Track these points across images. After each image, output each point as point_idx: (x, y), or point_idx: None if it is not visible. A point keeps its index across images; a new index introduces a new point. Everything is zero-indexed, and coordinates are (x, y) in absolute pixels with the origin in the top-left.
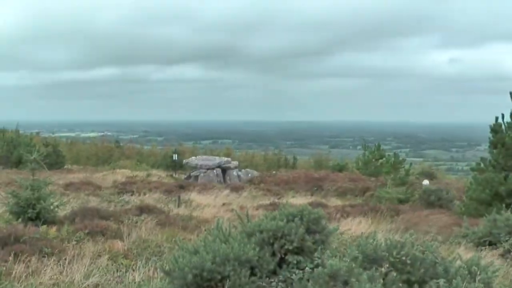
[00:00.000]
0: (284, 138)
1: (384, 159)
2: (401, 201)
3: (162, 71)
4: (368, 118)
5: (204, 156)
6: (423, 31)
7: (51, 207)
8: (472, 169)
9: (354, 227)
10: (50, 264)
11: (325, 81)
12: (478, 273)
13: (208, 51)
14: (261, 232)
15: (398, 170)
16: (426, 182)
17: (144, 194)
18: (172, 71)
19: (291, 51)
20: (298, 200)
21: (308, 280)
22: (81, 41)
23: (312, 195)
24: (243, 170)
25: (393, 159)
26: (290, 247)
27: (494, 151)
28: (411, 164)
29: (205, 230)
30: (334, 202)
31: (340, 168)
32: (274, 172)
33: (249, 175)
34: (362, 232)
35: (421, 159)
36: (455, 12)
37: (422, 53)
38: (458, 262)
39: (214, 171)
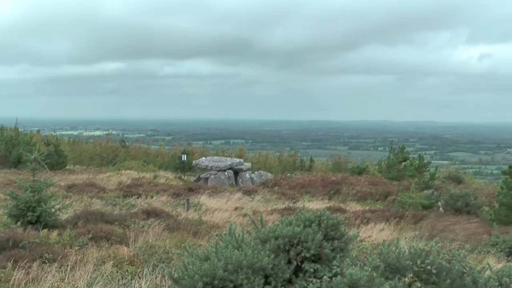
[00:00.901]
0: (301, 139)
1: (407, 161)
2: (425, 207)
3: (172, 65)
4: (390, 118)
5: (215, 157)
6: (452, 24)
7: (52, 210)
8: (504, 173)
9: (375, 234)
10: (51, 270)
11: (346, 78)
12: (511, 285)
13: (222, 44)
14: (276, 238)
15: (423, 174)
16: None
17: (151, 197)
18: (183, 66)
19: (311, 45)
20: (315, 205)
21: None
22: (85, 33)
23: (329, 199)
24: (256, 172)
25: (417, 161)
26: (307, 255)
27: None
28: (436, 167)
29: (216, 235)
30: (354, 207)
31: (360, 171)
32: (289, 174)
33: (263, 177)
34: (383, 240)
35: (447, 162)
36: (487, 4)
37: (450, 48)
38: (488, 273)
39: (226, 173)
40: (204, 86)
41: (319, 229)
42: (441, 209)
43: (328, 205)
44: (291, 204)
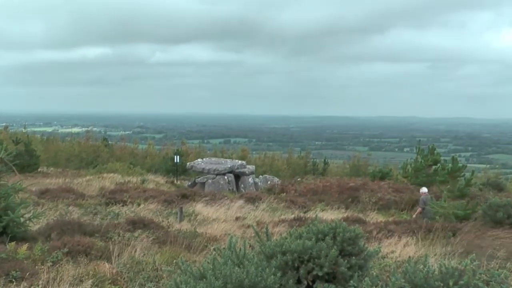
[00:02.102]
0: (313, 138)
1: (438, 165)
2: (459, 218)
3: (165, 51)
4: (419, 114)
5: (213, 159)
6: (495, 2)
7: (22, 219)
8: None
9: (400, 250)
10: None
11: (368, 67)
12: None
13: (223, 27)
14: (283, 253)
15: (457, 179)
16: (424, 190)
17: (138, 204)
18: (178, 52)
19: (328, 28)
20: (330, 215)
21: None
22: (63, 13)
23: (346, 208)
24: (261, 176)
25: (450, 165)
26: (320, 273)
27: None
28: (473, 171)
29: (213, 250)
30: (375, 217)
31: (383, 176)
32: (299, 179)
33: (269, 182)
34: (409, 256)
35: (485, 166)
36: None
37: (492, 32)
38: None
39: (225, 177)
40: (202, 76)
41: (334, 243)
42: None
43: (345, 215)
44: (302, 214)
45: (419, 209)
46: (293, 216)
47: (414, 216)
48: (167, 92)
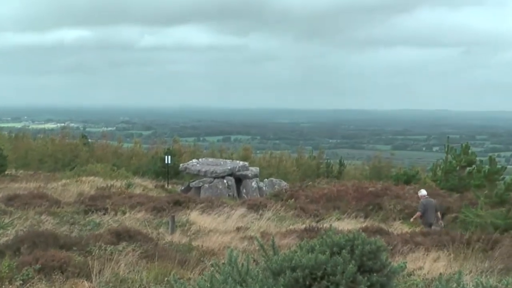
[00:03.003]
0: (327, 135)
1: (473, 166)
2: (498, 228)
3: (156, 34)
4: (450, 107)
5: (211, 159)
6: None
7: None
8: None
9: (429, 265)
10: None
11: (391, 52)
12: None
13: (224, 6)
14: (293, 269)
15: (495, 183)
16: (423, 192)
17: (123, 213)
18: (170, 35)
19: (345, 6)
20: (346, 224)
21: None
22: None
23: (366, 217)
24: (266, 180)
25: (487, 166)
26: None
27: None
28: None
29: (211, 265)
30: (399, 228)
31: (408, 179)
32: (310, 183)
33: (275, 187)
34: (440, 273)
35: None
36: None
37: None
38: None
39: (225, 180)
40: (198, 63)
41: (352, 257)
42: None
43: (364, 225)
44: (314, 224)
45: (417, 213)
46: (303, 226)
47: (412, 220)
48: (157, 82)
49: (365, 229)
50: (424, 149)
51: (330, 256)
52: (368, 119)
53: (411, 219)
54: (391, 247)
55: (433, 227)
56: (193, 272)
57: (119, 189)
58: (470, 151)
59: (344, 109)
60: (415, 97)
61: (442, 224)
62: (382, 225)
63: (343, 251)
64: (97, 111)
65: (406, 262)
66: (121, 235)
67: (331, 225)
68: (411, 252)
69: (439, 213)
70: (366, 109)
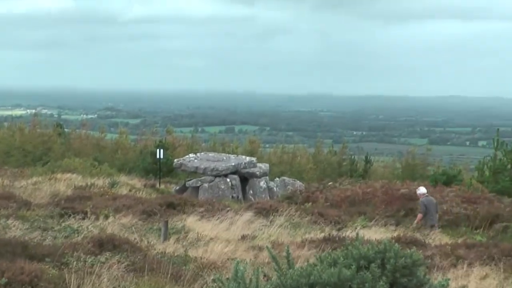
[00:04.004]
0: (351, 126)
1: None
2: None
3: (146, 4)
4: (501, 93)
5: (211, 154)
6: None
7: None
8: None
9: (475, 283)
10: None
11: (428, 26)
12: None
13: None
14: (311, 286)
15: None
16: (422, 190)
17: (106, 217)
18: (164, 5)
19: None
20: (374, 233)
21: None
22: None
23: (397, 224)
24: (277, 179)
25: None
26: None
27: None
28: None
29: (213, 281)
30: (438, 238)
31: (449, 180)
32: (331, 183)
33: (288, 187)
34: None
35: None
36: None
37: None
38: None
39: (228, 179)
40: (197, 38)
41: (383, 273)
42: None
43: (396, 234)
44: (335, 232)
45: (419, 216)
46: (322, 234)
47: (414, 224)
48: (147, 61)
49: (396, 239)
50: (468, 143)
51: (356, 271)
52: (401, 107)
53: (414, 223)
54: (429, 261)
55: (432, 232)
56: None
57: (101, 189)
58: None
59: (372, 95)
60: (458, 81)
61: (438, 228)
62: (417, 235)
63: (372, 265)
64: (75, 95)
65: (448, 280)
66: (104, 244)
67: (357, 233)
68: (452, 267)
69: (437, 215)
70: (398, 95)
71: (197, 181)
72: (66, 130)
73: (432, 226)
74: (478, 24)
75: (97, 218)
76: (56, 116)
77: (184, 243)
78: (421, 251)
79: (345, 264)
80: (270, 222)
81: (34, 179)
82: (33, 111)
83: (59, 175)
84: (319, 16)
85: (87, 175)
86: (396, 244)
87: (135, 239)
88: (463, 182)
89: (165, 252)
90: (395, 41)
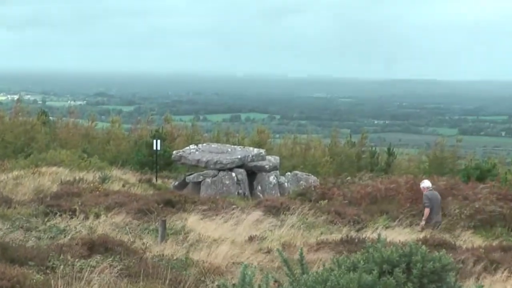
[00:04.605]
0: (372, 114)
1: None
2: None
3: None
4: None
5: (214, 145)
6: None
7: None
8: None
9: None
10: None
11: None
12: None
13: None
14: None
15: None
16: (427, 183)
17: (97, 216)
18: None
19: None
20: (398, 234)
21: None
22: None
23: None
24: (288, 173)
25: None
26: None
27: None
28: None
29: (217, 287)
30: (470, 240)
31: (482, 174)
32: (349, 178)
33: (301, 183)
34: None
35: None
36: None
37: None
38: None
39: (233, 174)
40: (198, 13)
41: (409, 278)
42: None
43: (422, 235)
44: (354, 233)
45: (426, 210)
46: (340, 236)
47: (423, 222)
48: (142, 40)
49: (423, 241)
50: (503, 134)
51: (378, 276)
52: (428, 93)
53: (422, 221)
54: (460, 266)
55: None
56: None
57: (91, 185)
58: None
59: (395, 79)
60: (493, 63)
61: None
62: (447, 236)
63: (396, 269)
64: (62, 79)
65: (482, 286)
66: (94, 246)
67: (379, 234)
68: (486, 272)
69: (440, 212)
70: (425, 79)
71: (198, 175)
72: (51, 118)
73: (436, 223)
74: None
75: (86, 217)
76: (40, 102)
77: (184, 245)
78: (451, 254)
79: (366, 269)
80: (281, 221)
81: (16, 173)
82: (14, 96)
83: (43, 169)
84: None
85: (75, 169)
86: (423, 247)
87: (129, 240)
88: (498, 177)
89: (163, 255)
90: (422, 19)
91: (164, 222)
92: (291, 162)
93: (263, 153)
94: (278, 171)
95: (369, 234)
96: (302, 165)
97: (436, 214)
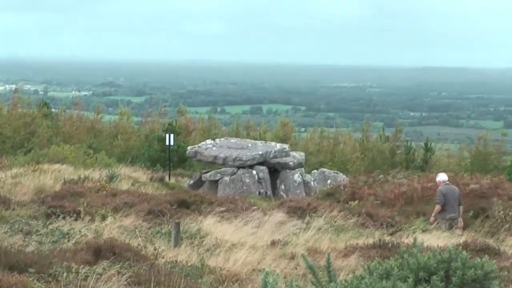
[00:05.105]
0: (408, 105)
1: None
2: None
3: None
4: None
5: (233, 140)
6: None
7: None
8: None
9: None
10: None
11: None
12: None
13: None
14: None
15: None
16: (443, 177)
17: (103, 218)
18: None
19: None
20: (436, 239)
21: None
22: None
23: (465, 228)
24: (315, 171)
25: None
26: None
27: None
28: None
29: None
30: None
31: None
32: (382, 176)
33: (329, 181)
34: None
35: None
36: None
37: None
38: None
39: (254, 171)
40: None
41: (447, 287)
42: None
43: (463, 239)
44: (387, 237)
45: (437, 207)
46: (372, 240)
47: (432, 219)
48: (153, 24)
49: (464, 246)
50: None
51: (414, 284)
52: (470, 81)
53: (431, 218)
54: (506, 274)
55: (454, 227)
56: None
57: (98, 184)
58: None
59: (433, 66)
60: None
61: (462, 223)
62: (490, 241)
63: (434, 277)
64: (66, 68)
65: None
66: (101, 251)
67: (415, 238)
68: None
69: (461, 208)
70: (466, 66)
71: (215, 173)
72: (53, 110)
73: (451, 219)
74: None
75: (92, 219)
76: (41, 93)
77: (199, 250)
78: (494, 260)
79: (400, 276)
80: (307, 224)
81: (15, 170)
82: (14, 86)
83: (45, 166)
84: None
85: (79, 166)
86: (464, 252)
87: (139, 245)
88: None
89: (176, 261)
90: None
91: (177, 224)
92: (318, 159)
93: (287, 148)
94: (303, 169)
95: (404, 238)
96: (330, 162)
97: (451, 209)
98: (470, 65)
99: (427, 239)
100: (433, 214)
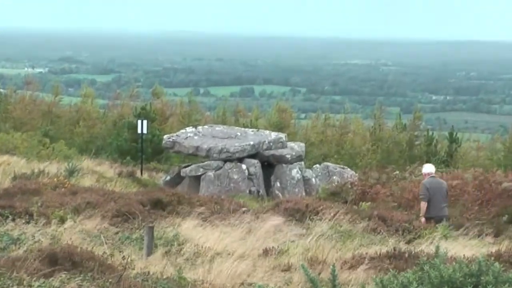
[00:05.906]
0: (429, 87)
1: None
2: None
3: None
4: None
5: (219, 128)
6: None
7: None
8: None
9: None
10: None
11: None
12: None
13: None
14: None
15: None
16: (429, 168)
17: (62, 221)
18: None
19: None
20: (463, 248)
21: None
22: None
23: (498, 235)
24: (317, 166)
25: None
26: None
27: None
28: None
29: None
30: None
31: None
32: (397, 172)
33: (333, 178)
34: None
35: None
36: None
37: None
38: None
39: (243, 166)
40: None
41: None
42: None
43: (495, 249)
44: (404, 245)
45: (422, 204)
46: (386, 248)
47: (422, 218)
48: None
49: (496, 257)
50: None
51: None
52: (502, 59)
53: (422, 219)
54: None
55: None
56: None
57: (55, 179)
58: None
59: (459, 40)
60: None
61: (447, 220)
62: None
63: None
64: (17, 40)
65: None
66: (58, 260)
67: (437, 247)
68: None
69: (445, 204)
70: (498, 40)
71: (197, 168)
72: (2, 90)
73: (438, 219)
74: None
75: (48, 222)
76: None
77: (177, 260)
78: None
79: None
80: (307, 229)
81: None
82: None
83: None
84: None
85: (33, 158)
86: (496, 264)
87: (104, 253)
88: None
89: (148, 273)
90: None
91: (151, 229)
92: (321, 151)
93: (284, 138)
94: (303, 163)
95: (423, 246)
96: (336, 154)
97: (438, 207)
98: (503, 39)
99: (452, 248)
100: (421, 214)
